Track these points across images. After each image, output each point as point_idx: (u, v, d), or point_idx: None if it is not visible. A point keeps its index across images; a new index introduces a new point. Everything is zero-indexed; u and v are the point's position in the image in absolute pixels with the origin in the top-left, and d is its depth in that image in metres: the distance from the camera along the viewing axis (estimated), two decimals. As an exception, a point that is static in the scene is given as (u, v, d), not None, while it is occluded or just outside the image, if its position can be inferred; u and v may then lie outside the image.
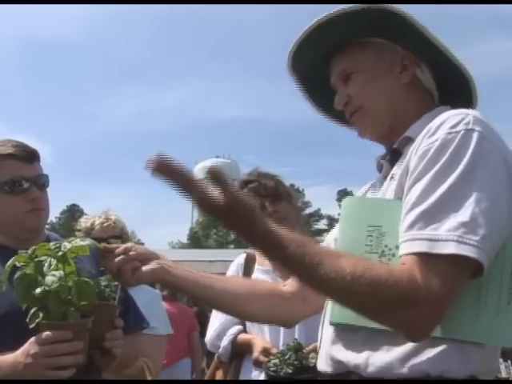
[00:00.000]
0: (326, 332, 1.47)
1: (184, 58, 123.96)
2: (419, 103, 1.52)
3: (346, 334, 1.39)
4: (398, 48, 1.52)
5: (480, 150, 1.24)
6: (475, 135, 1.25)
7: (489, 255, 1.18)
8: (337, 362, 1.40)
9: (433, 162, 1.25)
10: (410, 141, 1.43)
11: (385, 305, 1.18)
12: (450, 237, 1.17)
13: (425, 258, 1.19)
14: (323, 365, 1.47)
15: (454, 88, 1.55)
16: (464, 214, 1.18)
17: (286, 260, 1.25)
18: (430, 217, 1.21)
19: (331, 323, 1.42)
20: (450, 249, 1.16)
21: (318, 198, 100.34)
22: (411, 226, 1.23)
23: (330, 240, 1.68)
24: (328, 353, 1.44)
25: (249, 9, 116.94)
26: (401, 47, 1.52)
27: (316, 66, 1.64)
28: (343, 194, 62.28)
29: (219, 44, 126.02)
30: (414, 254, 1.21)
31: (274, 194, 2.80)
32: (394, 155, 1.50)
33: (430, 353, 1.25)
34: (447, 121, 1.29)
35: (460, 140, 1.24)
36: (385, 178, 1.51)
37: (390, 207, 1.35)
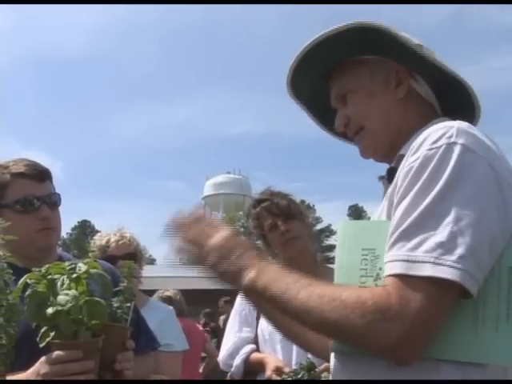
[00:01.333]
0: (333, 360, 1.44)
1: (194, 73, 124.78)
2: (419, 116, 1.50)
3: (347, 361, 1.36)
4: (391, 62, 1.52)
5: (462, 163, 1.20)
6: (457, 148, 1.21)
7: (472, 274, 1.14)
8: None
9: (414, 180, 1.23)
10: (402, 158, 1.40)
11: (361, 319, 1.16)
12: (426, 258, 1.15)
13: (402, 280, 1.17)
14: None
15: (457, 98, 1.53)
16: (442, 233, 1.16)
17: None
18: (409, 237, 1.19)
19: (331, 350, 1.39)
20: (426, 271, 1.14)
21: (329, 213, 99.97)
22: (391, 247, 1.21)
23: None
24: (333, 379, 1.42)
25: (258, 23, 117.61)
26: (394, 61, 1.51)
27: (316, 88, 1.64)
28: (354, 209, 62.22)
29: (229, 59, 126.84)
30: (393, 275, 1.19)
31: (287, 212, 2.81)
32: (392, 174, 1.46)
33: (431, 376, 1.21)
34: (429, 137, 1.26)
35: (441, 155, 1.21)
36: (384, 197, 1.49)
37: (381, 229, 1.31)
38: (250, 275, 1.34)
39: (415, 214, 1.19)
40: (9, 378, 1.71)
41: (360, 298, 1.18)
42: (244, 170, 63.35)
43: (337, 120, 1.58)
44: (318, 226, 50.47)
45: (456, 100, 1.53)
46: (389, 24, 1.45)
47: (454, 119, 1.34)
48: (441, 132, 1.25)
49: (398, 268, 1.18)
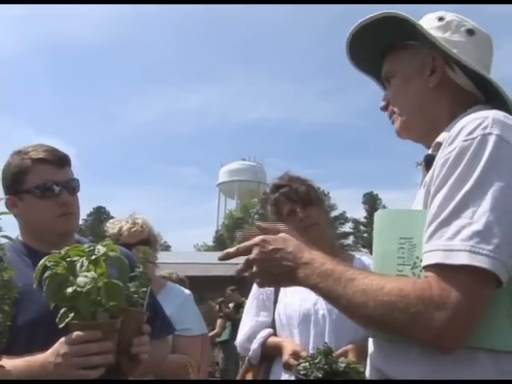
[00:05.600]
0: (371, 344, 1.48)
1: (210, 59, 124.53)
2: (455, 104, 1.51)
3: (384, 345, 1.39)
4: (430, 50, 1.52)
5: (496, 154, 1.22)
6: (492, 139, 1.23)
7: (505, 264, 1.16)
8: (379, 372, 1.39)
9: (450, 171, 1.25)
10: (440, 146, 1.43)
11: (400, 315, 1.20)
12: (463, 247, 1.17)
13: (440, 269, 1.19)
14: (369, 376, 1.47)
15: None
16: (478, 222, 1.17)
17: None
18: (446, 227, 1.21)
19: (371, 336, 1.45)
20: (462, 259, 1.16)
21: (343, 200, 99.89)
22: (430, 237, 1.24)
23: None
24: (372, 364, 1.44)
25: (274, 10, 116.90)
26: (431, 48, 1.52)
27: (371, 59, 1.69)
28: (369, 196, 62.06)
29: (245, 45, 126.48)
30: (432, 265, 1.22)
31: (306, 199, 2.77)
32: (428, 162, 1.49)
33: (467, 363, 1.23)
34: (465, 127, 1.28)
35: (476, 146, 1.23)
36: (422, 184, 1.51)
37: (419, 218, 1.34)
38: (299, 276, 1.39)
39: (452, 205, 1.22)
40: (27, 358, 1.73)
41: (402, 291, 1.21)
42: (259, 157, 63.48)
43: (382, 100, 1.66)
44: (333, 213, 50.46)
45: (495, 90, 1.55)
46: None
47: (496, 107, 1.37)
48: (476, 123, 1.28)
49: (436, 258, 1.20)
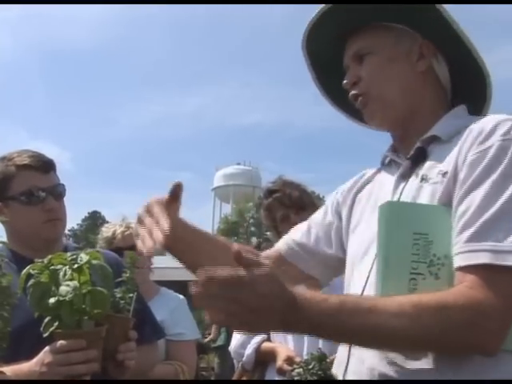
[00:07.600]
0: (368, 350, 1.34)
1: (205, 63, 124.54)
2: (434, 98, 1.48)
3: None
4: (417, 36, 1.47)
5: None
6: None
7: None
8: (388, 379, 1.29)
9: (489, 169, 1.22)
10: (436, 140, 1.40)
11: (452, 329, 1.14)
12: None
13: (487, 270, 1.15)
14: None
15: (467, 85, 1.51)
16: None
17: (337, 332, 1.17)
18: (492, 227, 1.17)
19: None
20: None
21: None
22: (471, 238, 1.18)
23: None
24: (375, 369, 1.31)
25: (270, 13, 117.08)
26: (421, 36, 1.47)
27: (330, 48, 1.58)
28: (364, 200, 61.88)
29: (241, 49, 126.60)
30: (475, 266, 1.16)
31: (299, 204, 2.77)
32: (418, 154, 1.43)
33: (495, 369, 1.19)
34: (499, 127, 1.26)
35: None
36: (403, 176, 1.44)
37: (435, 214, 1.29)
38: (290, 319, 1.11)
39: (497, 205, 1.18)
40: (13, 367, 1.71)
41: (447, 302, 1.14)
42: (254, 161, 63.38)
43: (347, 76, 1.52)
44: (328, 217, 50.20)
45: (465, 86, 1.52)
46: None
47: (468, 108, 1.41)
48: (509, 123, 1.26)
49: (484, 258, 1.15)
